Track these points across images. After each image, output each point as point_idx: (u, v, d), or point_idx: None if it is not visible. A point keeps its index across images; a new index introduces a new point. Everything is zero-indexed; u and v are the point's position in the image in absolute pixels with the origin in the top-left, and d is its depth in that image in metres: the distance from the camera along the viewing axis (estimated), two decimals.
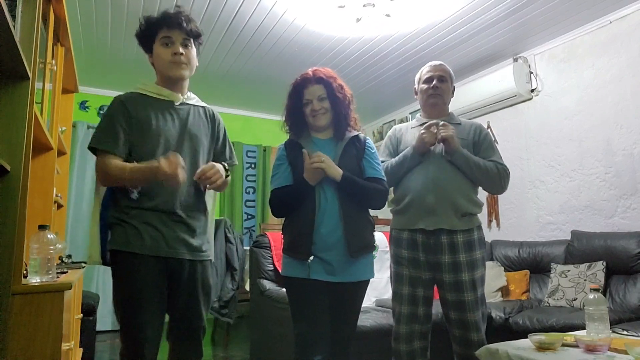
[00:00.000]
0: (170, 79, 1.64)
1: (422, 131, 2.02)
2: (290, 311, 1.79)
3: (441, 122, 2.02)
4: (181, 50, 1.60)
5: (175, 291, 1.58)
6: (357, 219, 1.74)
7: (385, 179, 1.86)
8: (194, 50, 1.67)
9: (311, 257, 1.68)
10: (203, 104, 1.78)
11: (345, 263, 1.70)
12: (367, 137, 1.91)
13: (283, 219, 1.89)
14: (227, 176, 1.67)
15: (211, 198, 1.79)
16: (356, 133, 1.87)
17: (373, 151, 1.87)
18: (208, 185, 1.60)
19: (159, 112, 1.61)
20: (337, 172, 1.69)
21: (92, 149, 1.55)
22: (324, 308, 1.72)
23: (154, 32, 1.62)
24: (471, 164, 2.02)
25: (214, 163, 1.62)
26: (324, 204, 1.71)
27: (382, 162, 2.14)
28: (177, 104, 1.66)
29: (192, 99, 1.74)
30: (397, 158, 2.12)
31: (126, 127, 1.55)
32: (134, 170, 1.48)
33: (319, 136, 1.85)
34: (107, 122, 1.56)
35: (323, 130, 1.85)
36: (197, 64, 1.71)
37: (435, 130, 1.99)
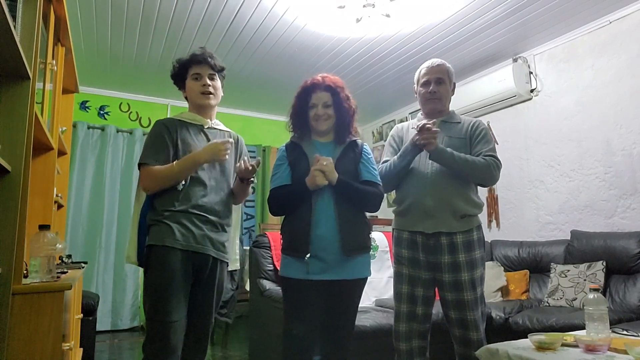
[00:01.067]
0: (200, 107, 1.90)
1: (416, 137, 1.98)
2: (284, 310, 1.84)
3: (427, 126, 1.96)
4: (209, 82, 1.88)
5: (197, 285, 1.76)
6: (352, 220, 1.80)
7: (380, 183, 1.91)
8: (219, 82, 1.94)
9: (307, 255, 1.74)
10: (228, 129, 2.03)
11: (341, 262, 1.76)
12: (365, 143, 1.99)
13: (282, 218, 1.94)
14: (250, 182, 1.89)
15: (236, 212, 1.99)
16: (355, 138, 1.95)
17: (370, 156, 1.95)
18: (239, 173, 1.85)
19: (193, 133, 1.86)
20: (334, 176, 1.77)
21: (139, 164, 1.77)
22: (319, 310, 1.80)
23: (186, 70, 1.89)
24: (457, 159, 1.98)
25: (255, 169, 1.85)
26: (320, 205, 1.78)
27: (386, 160, 2.16)
28: (206, 127, 1.91)
29: (219, 125, 1.99)
30: (397, 155, 2.12)
31: (169, 143, 1.79)
32: (181, 162, 1.73)
33: (320, 139, 1.94)
34: (152, 141, 1.80)
35: (324, 134, 1.93)
36: (222, 94, 1.98)
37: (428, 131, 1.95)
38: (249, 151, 6.40)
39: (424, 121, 2.02)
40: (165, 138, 1.79)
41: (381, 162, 2.22)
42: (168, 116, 2.20)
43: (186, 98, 1.95)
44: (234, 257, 1.98)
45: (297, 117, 1.93)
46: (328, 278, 1.75)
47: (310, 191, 1.77)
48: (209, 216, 1.78)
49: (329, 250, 1.75)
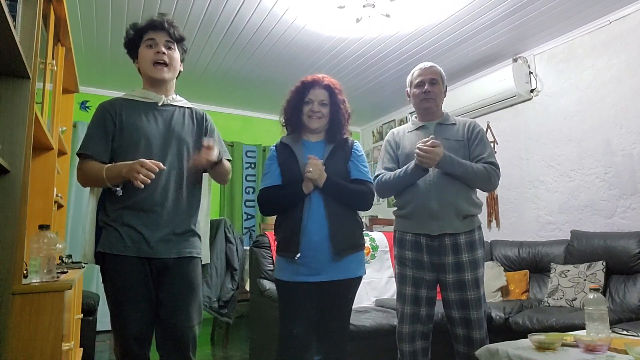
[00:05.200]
0: (153, 80, 1.69)
1: (419, 153, 1.97)
2: (279, 311, 1.83)
3: (429, 142, 1.96)
4: (164, 50, 1.67)
5: (163, 290, 1.60)
6: (343, 220, 1.78)
7: (371, 180, 1.89)
8: (176, 53, 1.72)
9: (298, 255, 1.72)
10: (191, 105, 1.80)
11: (331, 262, 1.74)
12: (356, 141, 1.96)
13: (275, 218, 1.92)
14: (219, 161, 1.67)
15: (205, 198, 1.80)
16: (345, 137, 1.92)
17: (360, 154, 1.92)
18: (195, 162, 1.62)
19: (142, 113, 1.66)
20: (322, 178, 1.75)
21: (78, 154, 1.62)
22: (312, 310, 1.77)
23: (140, 36, 1.69)
24: (459, 167, 2.00)
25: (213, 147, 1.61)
26: (311, 205, 1.76)
27: (384, 170, 2.16)
28: (160, 104, 1.70)
29: (179, 101, 1.77)
30: (399, 171, 2.10)
31: (110, 131, 1.61)
32: (109, 171, 1.53)
33: (310, 138, 1.91)
34: (91, 129, 1.63)
35: (315, 133, 1.90)
36: (182, 69, 1.77)
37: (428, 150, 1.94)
38: (248, 151, 6.32)
39: (419, 144, 1.97)
40: (106, 125, 1.60)
41: (378, 168, 2.23)
42: None
43: (139, 70, 1.72)
44: (205, 252, 1.77)
45: (291, 112, 1.90)
46: (319, 280, 1.74)
47: (303, 193, 1.76)
48: (166, 214, 1.58)
49: (319, 250, 1.73)
